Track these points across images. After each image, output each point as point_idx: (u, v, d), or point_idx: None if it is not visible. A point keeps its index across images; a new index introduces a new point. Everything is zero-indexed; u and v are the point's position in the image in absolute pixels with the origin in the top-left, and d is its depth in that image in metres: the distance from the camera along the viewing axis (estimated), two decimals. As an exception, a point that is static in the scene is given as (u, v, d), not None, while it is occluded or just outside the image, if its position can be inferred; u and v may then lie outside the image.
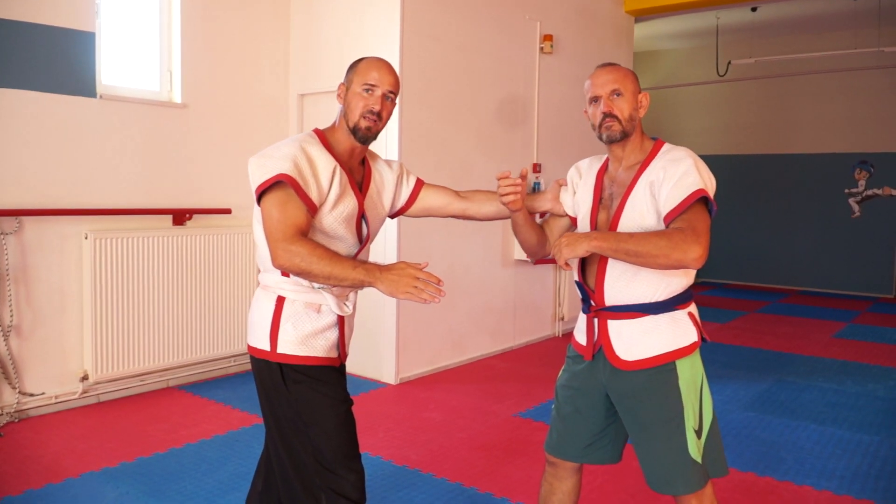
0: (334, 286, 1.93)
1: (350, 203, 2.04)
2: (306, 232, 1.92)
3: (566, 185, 2.33)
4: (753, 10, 8.55)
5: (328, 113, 5.47)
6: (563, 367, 2.33)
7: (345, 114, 2.06)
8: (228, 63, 5.18)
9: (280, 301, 2.01)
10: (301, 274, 1.87)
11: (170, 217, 4.83)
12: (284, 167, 1.91)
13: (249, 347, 2.09)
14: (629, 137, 2.12)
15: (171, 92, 4.92)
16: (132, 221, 4.63)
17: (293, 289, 2.00)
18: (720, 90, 10.61)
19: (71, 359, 4.37)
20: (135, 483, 3.31)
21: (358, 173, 2.12)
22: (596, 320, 2.13)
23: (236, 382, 4.99)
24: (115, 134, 4.54)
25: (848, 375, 5.48)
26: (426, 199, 2.34)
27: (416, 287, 1.79)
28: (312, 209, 1.94)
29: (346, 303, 2.08)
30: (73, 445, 3.77)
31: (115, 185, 4.55)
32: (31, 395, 4.21)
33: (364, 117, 2.02)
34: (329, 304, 2.03)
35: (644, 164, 2.09)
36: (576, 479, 2.32)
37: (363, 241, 2.12)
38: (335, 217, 2.01)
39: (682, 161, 2.01)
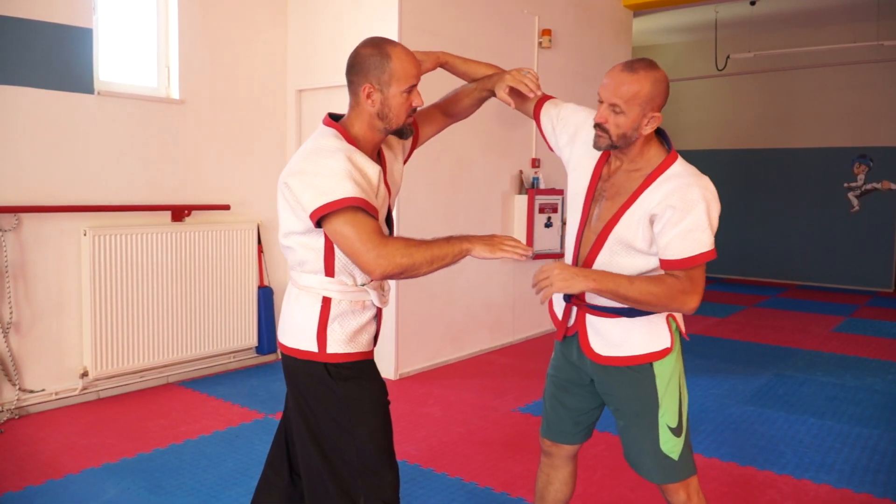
0: (437, 269, 1.88)
1: (386, 199, 2.04)
2: (382, 232, 1.87)
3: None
4: (752, 3, 8.53)
5: (326, 108, 5.43)
6: (552, 355, 2.36)
7: (382, 115, 1.95)
8: (226, 59, 5.17)
9: (326, 302, 1.96)
10: (406, 272, 1.83)
11: (168, 213, 4.83)
12: (348, 189, 1.82)
13: (287, 349, 2.02)
14: (627, 147, 2.00)
15: (169, 88, 4.91)
16: (131, 218, 4.63)
17: (339, 289, 1.96)
18: (719, 84, 10.60)
19: (70, 355, 4.38)
20: (135, 479, 3.31)
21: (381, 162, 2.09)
22: (575, 309, 2.15)
23: (236, 378, 4.99)
24: (113, 130, 4.53)
25: (847, 369, 5.49)
26: (423, 136, 2.30)
27: (509, 246, 1.90)
28: (377, 216, 1.90)
29: (385, 294, 2.08)
30: (73, 441, 3.78)
31: (114, 181, 4.55)
32: (31, 391, 4.21)
33: (409, 115, 2.00)
34: (372, 299, 2.02)
35: (647, 181, 1.97)
36: (571, 467, 2.35)
37: (392, 229, 2.12)
38: (381, 216, 1.99)
39: (695, 207, 1.89)
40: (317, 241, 1.93)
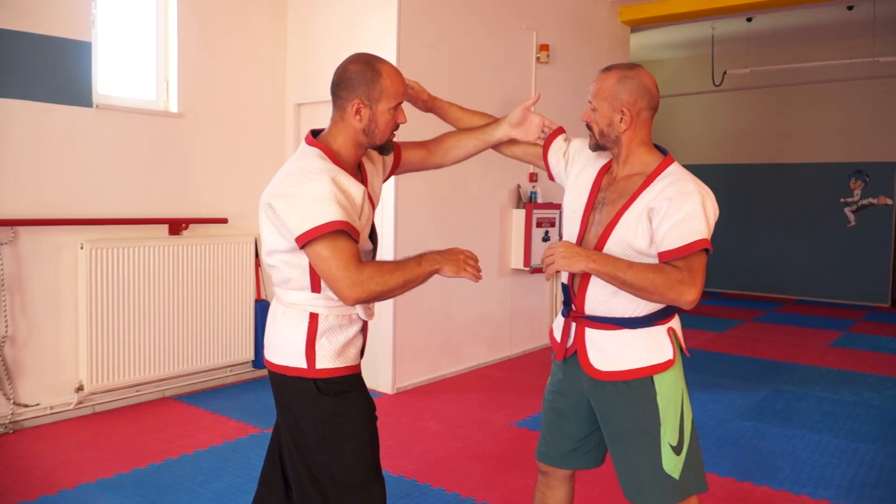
0: (410, 289, 1.93)
1: (370, 217, 2.04)
2: (360, 257, 1.90)
3: (533, 111, 2.34)
4: (749, 20, 8.59)
5: (325, 123, 5.47)
6: (550, 377, 2.33)
7: (367, 132, 1.99)
8: (225, 72, 5.19)
9: (314, 318, 1.96)
10: (379, 296, 1.87)
11: (166, 227, 4.83)
12: (332, 212, 1.83)
13: (275, 366, 2.01)
14: (615, 150, 2.08)
15: (168, 101, 4.92)
16: (128, 231, 4.63)
17: (325, 304, 1.96)
18: (715, 100, 10.65)
19: (66, 369, 4.36)
20: (130, 494, 3.29)
21: (364, 176, 2.09)
22: (574, 325, 2.13)
23: (233, 393, 4.97)
24: (111, 144, 4.54)
25: (844, 384, 5.48)
26: (405, 161, 2.32)
27: (471, 267, 1.98)
28: (357, 238, 1.92)
29: (371, 306, 2.07)
30: (68, 456, 3.75)
31: (111, 194, 4.55)
32: (26, 405, 4.19)
33: (393, 132, 2.04)
34: (358, 312, 2.02)
35: (646, 182, 2.02)
36: (567, 487, 2.32)
37: (376, 242, 2.13)
38: (364, 234, 2.01)
39: (690, 198, 1.94)
40: (301, 258, 1.93)
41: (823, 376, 5.75)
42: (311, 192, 1.85)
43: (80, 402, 4.40)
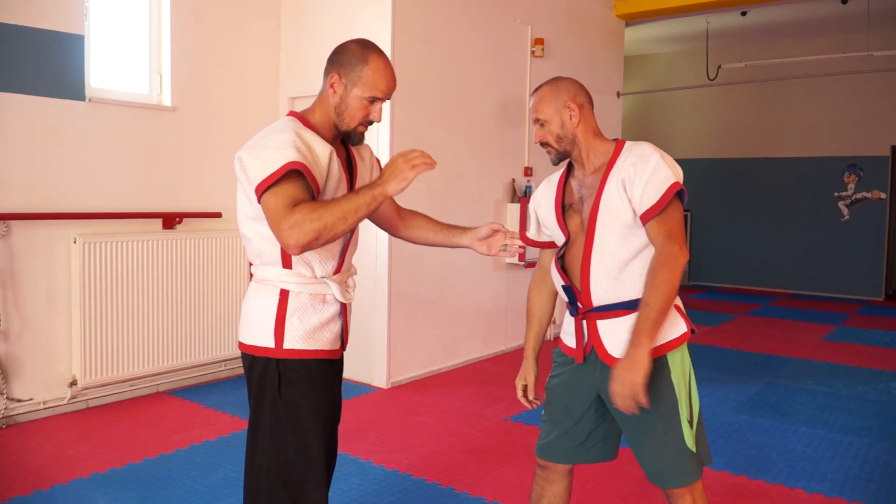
0: (354, 223, 1.81)
1: (343, 188, 2.00)
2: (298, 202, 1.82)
3: (501, 229, 2.30)
4: (743, 14, 8.59)
5: (319, 116, 5.46)
6: (551, 371, 2.33)
7: (338, 111, 1.97)
8: (218, 66, 5.16)
9: (284, 294, 1.92)
10: (321, 235, 1.76)
11: (159, 221, 4.81)
12: (289, 155, 1.80)
13: (245, 346, 1.98)
14: (575, 151, 2.16)
15: (161, 95, 4.90)
16: (121, 225, 4.61)
17: (297, 281, 1.92)
18: (710, 94, 10.65)
19: (59, 364, 4.34)
20: (124, 489, 3.28)
21: (341, 155, 2.05)
22: (585, 322, 2.14)
23: (227, 387, 4.96)
24: (104, 137, 4.51)
25: (838, 378, 5.50)
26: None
27: (417, 162, 1.84)
28: (317, 193, 1.87)
29: (349, 289, 2.04)
30: (61, 451, 3.74)
31: (105, 188, 4.53)
32: (19, 400, 4.17)
33: (362, 124, 1.99)
34: (333, 293, 1.97)
35: (610, 164, 2.11)
36: (566, 481, 2.32)
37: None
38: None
39: (650, 157, 2.03)
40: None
41: (817, 370, 5.76)
42: (273, 142, 1.85)
43: (73, 397, 4.38)
